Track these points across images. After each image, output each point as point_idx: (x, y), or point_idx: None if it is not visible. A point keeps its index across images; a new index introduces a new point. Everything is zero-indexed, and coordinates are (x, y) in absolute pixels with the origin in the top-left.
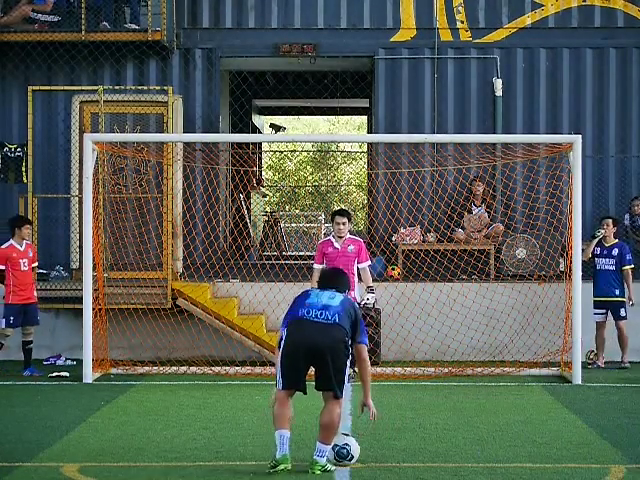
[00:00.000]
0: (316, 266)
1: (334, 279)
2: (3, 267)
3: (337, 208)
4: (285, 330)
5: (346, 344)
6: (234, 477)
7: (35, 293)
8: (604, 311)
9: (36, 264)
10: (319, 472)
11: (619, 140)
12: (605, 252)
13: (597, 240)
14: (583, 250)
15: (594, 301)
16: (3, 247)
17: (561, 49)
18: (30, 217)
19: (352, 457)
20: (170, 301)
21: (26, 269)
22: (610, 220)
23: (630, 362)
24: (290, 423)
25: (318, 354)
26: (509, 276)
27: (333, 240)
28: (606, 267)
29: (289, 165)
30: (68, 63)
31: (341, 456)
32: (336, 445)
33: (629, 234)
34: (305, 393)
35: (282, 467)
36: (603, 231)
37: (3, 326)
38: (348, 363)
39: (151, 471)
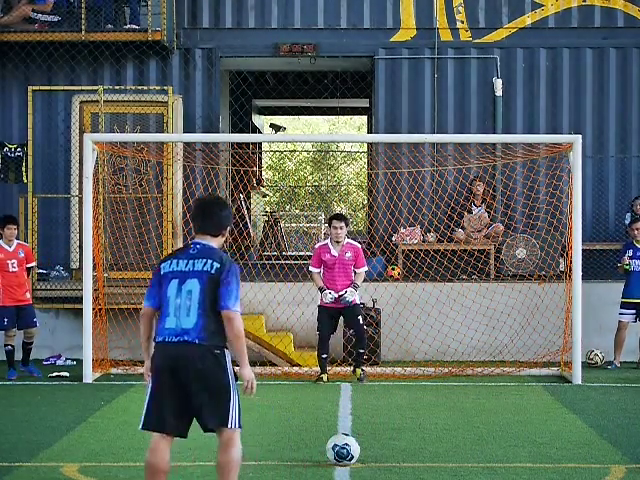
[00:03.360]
0: (313, 269)
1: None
2: None
3: (334, 212)
4: None
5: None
6: None
7: (28, 295)
8: (633, 312)
9: (33, 264)
10: None
11: (619, 140)
12: (639, 254)
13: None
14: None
15: (622, 302)
16: None
17: (561, 49)
18: (30, 217)
19: (352, 457)
20: None
21: (15, 270)
22: (638, 223)
23: (630, 362)
24: None
25: None
26: (509, 276)
27: (331, 246)
28: (639, 269)
29: (289, 165)
30: (68, 63)
31: (341, 456)
32: (336, 445)
33: (630, 234)
34: None
35: None
36: (627, 259)
37: None
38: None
39: None
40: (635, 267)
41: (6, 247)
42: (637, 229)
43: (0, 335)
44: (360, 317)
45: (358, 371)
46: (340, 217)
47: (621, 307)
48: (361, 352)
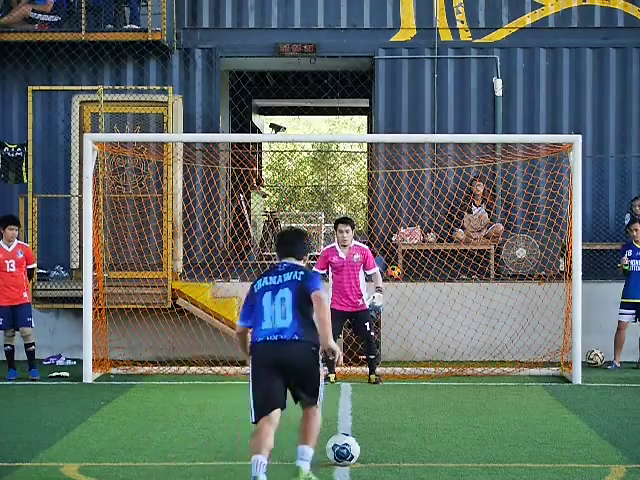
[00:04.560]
0: (318, 271)
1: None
2: None
3: (341, 216)
4: None
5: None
6: (234, 477)
7: (26, 294)
8: (633, 312)
9: (33, 265)
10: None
11: (619, 140)
12: (638, 254)
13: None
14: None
15: (622, 302)
16: None
17: (561, 49)
18: (30, 217)
19: (352, 457)
20: (170, 301)
21: (13, 270)
22: (637, 223)
23: (630, 362)
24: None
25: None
26: (509, 276)
27: (338, 248)
28: (638, 269)
29: (289, 165)
30: (68, 63)
31: (341, 456)
32: (336, 445)
33: (629, 234)
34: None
35: None
36: (626, 259)
37: None
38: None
39: (151, 471)
40: (634, 267)
41: (5, 247)
42: (636, 230)
43: (0, 336)
44: (367, 323)
45: (372, 377)
46: (346, 220)
47: (621, 307)
48: (372, 358)
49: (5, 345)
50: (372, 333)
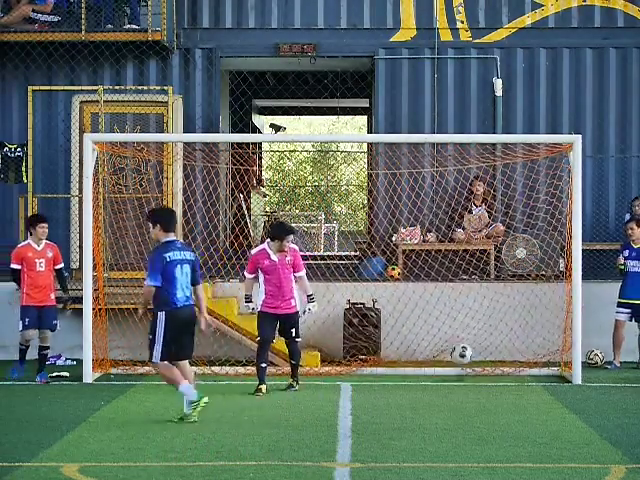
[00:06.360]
0: (248, 275)
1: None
2: (18, 267)
3: (281, 224)
4: None
5: None
6: (234, 477)
7: (53, 296)
8: (629, 311)
9: (61, 265)
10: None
11: (619, 140)
12: (634, 254)
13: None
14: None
15: (618, 302)
16: (19, 246)
17: (561, 49)
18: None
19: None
20: None
21: (42, 269)
22: (633, 223)
23: (630, 362)
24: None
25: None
26: (509, 276)
27: (270, 251)
28: (634, 269)
29: (289, 165)
30: (68, 63)
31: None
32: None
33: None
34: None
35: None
36: (622, 259)
37: (20, 329)
38: None
39: (151, 471)
40: (630, 268)
41: (35, 246)
42: (631, 229)
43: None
44: (294, 330)
45: (290, 380)
46: (294, 231)
47: (617, 306)
48: (294, 364)
49: (22, 344)
50: (298, 340)
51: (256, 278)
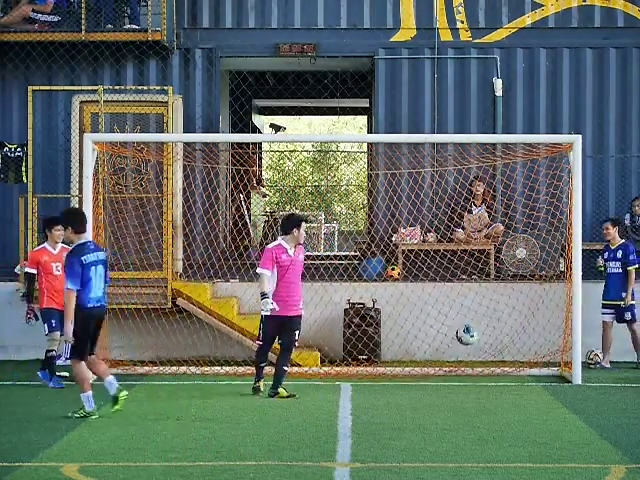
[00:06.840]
0: (265, 271)
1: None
2: (34, 271)
3: (291, 214)
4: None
5: None
6: (234, 477)
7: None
8: (612, 311)
9: None
10: None
11: (619, 140)
12: (612, 255)
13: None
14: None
15: (603, 303)
16: (34, 250)
17: (561, 49)
18: (30, 217)
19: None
20: (170, 301)
21: (59, 273)
22: (609, 223)
23: (630, 362)
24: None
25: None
26: (509, 276)
27: (286, 246)
28: (613, 270)
29: (289, 165)
30: (68, 63)
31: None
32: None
33: (629, 234)
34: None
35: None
36: (601, 261)
37: (46, 332)
38: None
39: (151, 471)
40: (610, 269)
41: (51, 250)
42: (607, 229)
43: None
44: (297, 332)
45: (267, 389)
46: (307, 219)
47: (602, 308)
48: (285, 369)
49: (49, 350)
50: (295, 344)
51: (273, 275)
